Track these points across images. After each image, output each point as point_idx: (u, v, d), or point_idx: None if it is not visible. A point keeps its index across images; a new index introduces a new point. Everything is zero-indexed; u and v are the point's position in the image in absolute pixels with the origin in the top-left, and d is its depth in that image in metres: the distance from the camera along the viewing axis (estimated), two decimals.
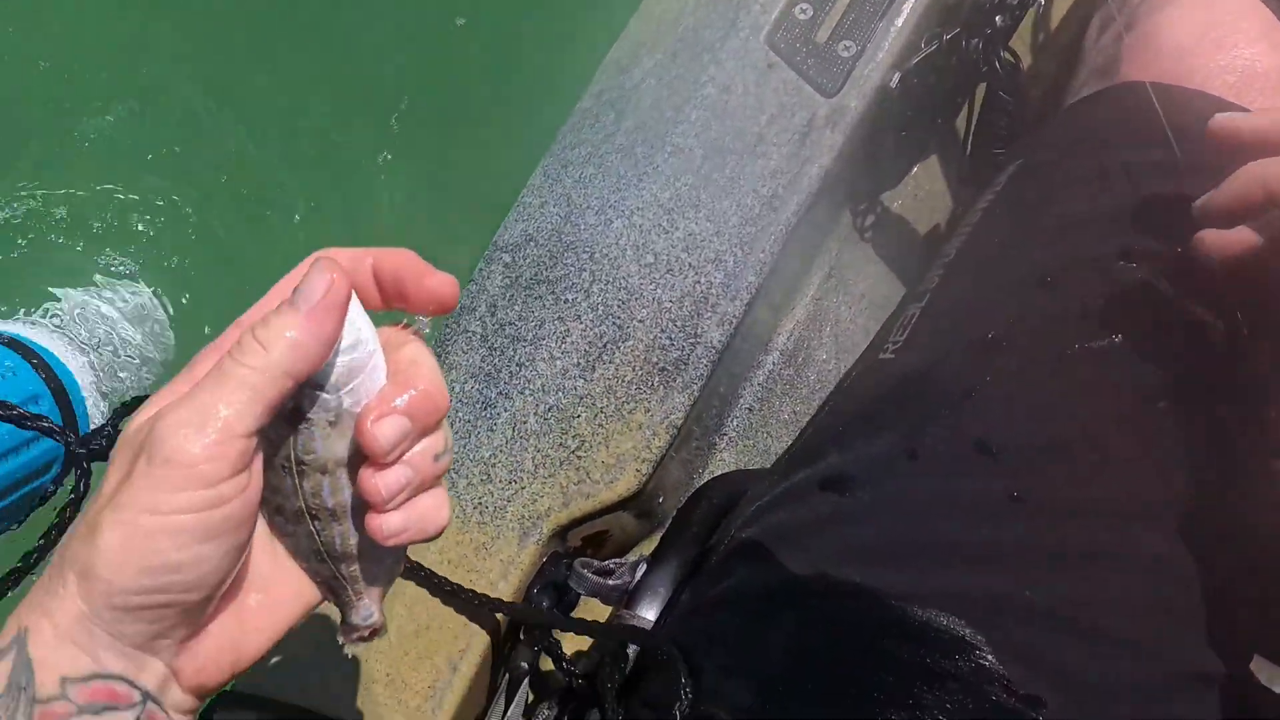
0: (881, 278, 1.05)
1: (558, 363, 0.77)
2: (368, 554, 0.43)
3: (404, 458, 0.40)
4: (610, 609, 0.75)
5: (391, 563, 0.44)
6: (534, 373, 0.77)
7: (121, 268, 1.23)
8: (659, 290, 0.79)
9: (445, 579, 0.69)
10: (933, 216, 1.07)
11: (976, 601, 0.55)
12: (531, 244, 0.81)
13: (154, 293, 1.24)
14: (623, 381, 0.77)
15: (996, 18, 0.83)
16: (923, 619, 0.54)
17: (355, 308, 0.39)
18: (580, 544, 0.85)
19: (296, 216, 1.27)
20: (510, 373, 0.77)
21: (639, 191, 0.81)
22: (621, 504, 0.76)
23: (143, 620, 0.38)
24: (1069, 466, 0.57)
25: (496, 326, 0.79)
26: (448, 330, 0.80)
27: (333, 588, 0.43)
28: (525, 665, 0.63)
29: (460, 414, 0.77)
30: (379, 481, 0.39)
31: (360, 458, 0.40)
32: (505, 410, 0.76)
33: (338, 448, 0.40)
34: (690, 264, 0.79)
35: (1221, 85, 0.69)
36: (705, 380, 0.78)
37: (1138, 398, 0.58)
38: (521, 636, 0.68)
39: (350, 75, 1.33)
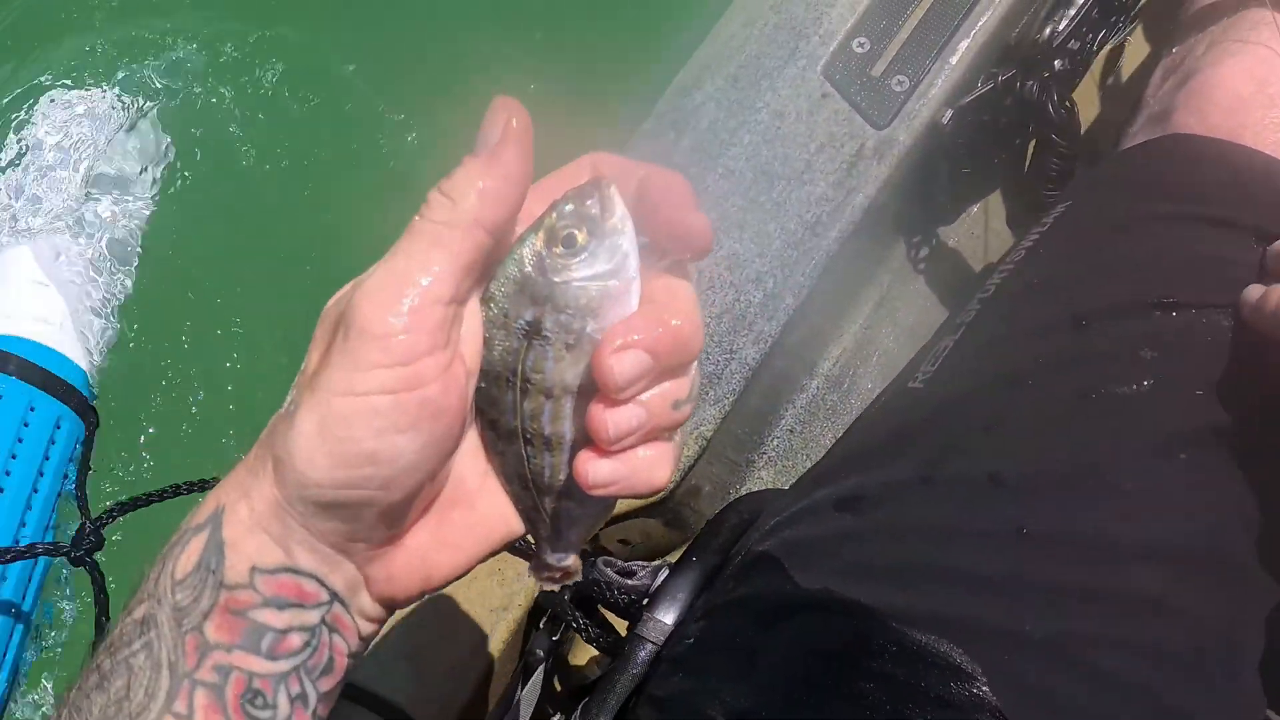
0: (932, 311, 1.05)
1: None
2: (573, 493, 0.39)
3: (640, 398, 0.36)
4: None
5: (597, 509, 0.41)
6: None
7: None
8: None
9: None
10: (988, 254, 1.07)
11: (976, 631, 0.55)
12: None
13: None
14: None
15: (1055, 61, 0.84)
16: (921, 643, 0.55)
17: (626, 232, 0.36)
18: (617, 546, 0.87)
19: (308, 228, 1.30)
20: None
21: None
22: (645, 510, 0.79)
23: (338, 518, 0.36)
24: (1077, 505, 0.58)
25: None
26: None
27: (532, 519, 0.41)
28: (540, 653, 0.66)
29: None
30: (608, 418, 0.35)
31: (591, 391, 0.36)
32: None
33: (569, 374, 0.37)
34: (731, 282, 0.82)
35: (1272, 142, 0.69)
36: (737, 396, 0.80)
37: (1159, 445, 0.58)
38: (541, 625, 0.70)
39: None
